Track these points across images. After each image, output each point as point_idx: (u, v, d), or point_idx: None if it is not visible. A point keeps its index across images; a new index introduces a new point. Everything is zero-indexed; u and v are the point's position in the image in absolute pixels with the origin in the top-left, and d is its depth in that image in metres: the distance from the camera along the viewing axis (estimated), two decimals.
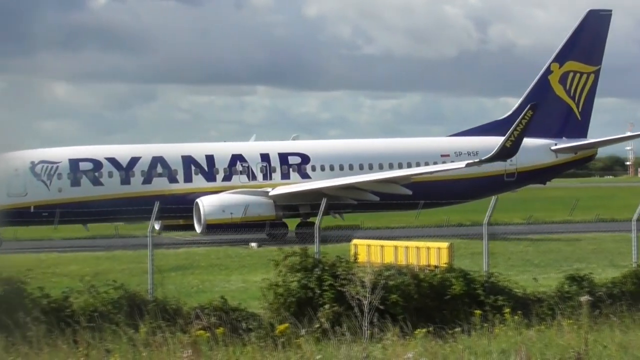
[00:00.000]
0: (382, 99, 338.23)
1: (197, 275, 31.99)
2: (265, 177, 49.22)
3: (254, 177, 49.08)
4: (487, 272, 21.59)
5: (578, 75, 53.80)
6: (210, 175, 48.40)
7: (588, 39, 53.84)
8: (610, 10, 54.94)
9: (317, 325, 18.38)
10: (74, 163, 46.84)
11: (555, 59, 54.04)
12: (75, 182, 46.41)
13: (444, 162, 50.28)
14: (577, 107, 54.05)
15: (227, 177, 48.70)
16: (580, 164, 62.22)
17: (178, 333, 17.42)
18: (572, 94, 53.89)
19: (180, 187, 47.47)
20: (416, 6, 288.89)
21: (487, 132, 53.56)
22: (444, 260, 25.59)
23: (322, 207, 24.37)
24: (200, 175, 48.12)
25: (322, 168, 50.28)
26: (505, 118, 53.65)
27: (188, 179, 47.88)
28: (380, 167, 50.72)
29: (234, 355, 15.63)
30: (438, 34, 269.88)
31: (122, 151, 48.94)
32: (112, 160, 47.45)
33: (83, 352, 16.33)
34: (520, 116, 46.37)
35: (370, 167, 50.76)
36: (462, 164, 47.86)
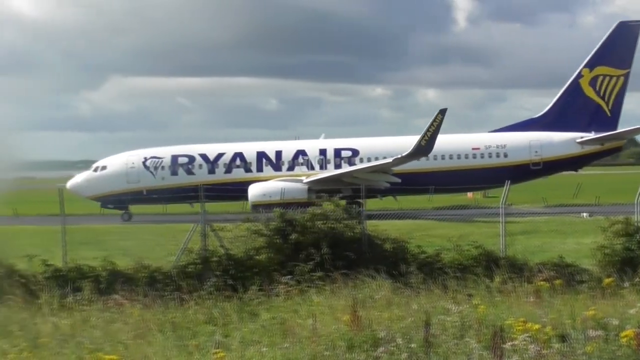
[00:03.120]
0: None
1: (539, 238, 34.22)
2: (321, 168, 58.70)
3: (312, 168, 58.52)
4: None
5: (608, 78, 58.73)
6: (277, 167, 58.73)
7: (618, 47, 58.29)
8: (639, 21, 58.84)
9: (637, 279, 20.90)
10: (174, 158, 59.28)
11: (586, 65, 59.23)
12: (174, 172, 58.73)
13: (474, 155, 58.19)
14: (607, 105, 58.87)
15: (290, 168, 58.59)
16: (608, 154, 63.59)
17: (524, 283, 20.30)
18: (601, 94, 58.85)
19: (254, 175, 57.96)
20: None
21: (523, 128, 60.24)
22: None
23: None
24: (269, 167, 58.59)
25: (369, 159, 57.57)
26: (540, 116, 60.46)
27: (260, 169, 58.57)
28: (418, 159, 56.19)
29: (569, 302, 17.13)
30: None
31: (212, 148, 59.89)
32: (203, 156, 59.13)
33: (451, 295, 19.36)
34: (431, 120, 52.32)
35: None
36: (389, 160, 54.48)
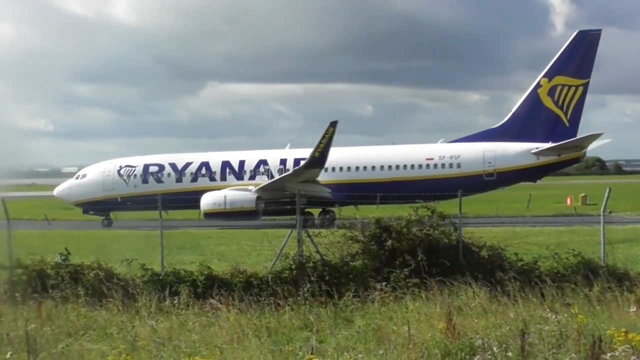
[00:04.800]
0: None
1: None
2: None
3: (272, 177, 59.16)
4: None
5: (566, 87, 57.61)
6: (239, 176, 60.26)
7: (577, 57, 57.27)
8: (600, 30, 58.02)
9: None
10: (146, 167, 61.82)
11: (545, 75, 58.24)
12: (145, 181, 61.22)
13: (427, 165, 58.53)
14: (566, 116, 57.67)
15: (252, 177, 59.79)
16: (567, 165, 63.18)
17: (625, 293, 19.93)
18: (560, 104, 57.71)
19: (217, 184, 59.43)
20: None
21: (483, 138, 59.77)
22: None
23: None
24: (232, 176, 60.09)
25: (326, 169, 57.56)
26: (498, 126, 59.98)
27: (223, 178, 60.22)
28: (373, 169, 59.19)
29: None
30: None
31: (181, 158, 62.51)
32: (172, 165, 61.71)
33: (548, 304, 19.00)
34: (323, 132, 53.13)
35: (365, 169, 59.33)
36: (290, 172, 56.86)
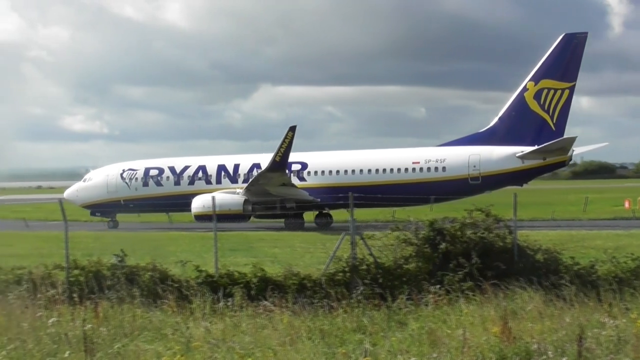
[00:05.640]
0: None
1: None
2: None
3: None
4: None
5: (552, 91, 57.25)
6: (234, 179, 61.45)
7: (563, 59, 57.06)
8: (586, 33, 57.76)
9: None
10: (147, 170, 63.47)
11: (531, 79, 57.97)
12: (145, 184, 62.86)
13: (413, 169, 59.00)
14: (552, 119, 57.36)
15: (245, 180, 60.14)
16: (553, 169, 62.47)
17: None
18: (546, 108, 57.40)
19: (213, 187, 60.31)
20: None
21: (471, 142, 59.61)
22: None
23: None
24: (227, 179, 61.32)
25: (315, 173, 60.22)
26: (485, 130, 59.84)
27: (219, 181, 61.61)
28: (361, 172, 59.88)
29: None
30: None
31: (180, 162, 63.91)
32: (171, 168, 63.28)
33: (606, 308, 18.82)
34: (283, 137, 54.13)
35: (353, 172, 60.03)
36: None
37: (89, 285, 23.10)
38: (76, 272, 24.02)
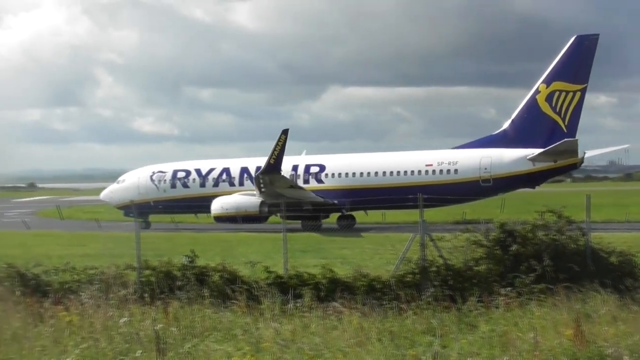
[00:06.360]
0: None
1: None
2: None
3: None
4: None
5: (564, 93, 56.92)
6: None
7: (575, 62, 56.70)
8: (597, 35, 57.23)
9: None
10: (175, 172, 65.36)
11: (543, 81, 57.70)
12: (173, 186, 64.74)
13: (426, 171, 59.35)
14: (564, 121, 56.95)
15: None
16: (565, 171, 62.83)
17: None
18: (558, 110, 57.05)
19: (236, 189, 62.35)
20: None
21: (484, 144, 60.06)
22: None
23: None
24: (249, 181, 62.21)
25: (333, 175, 61.53)
26: (498, 133, 60.03)
27: (241, 183, 63.04)
28: (376, 175, 60.79)
29: None
30: None
31: (206, 164, 65.37)
32: (198, 171, 64.81)
33: None
34: (276, 140, 55.12)
35: (368, 175, 61.00)
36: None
37: (159, 285, 23.39)
38: (147, 272, 24.33)
